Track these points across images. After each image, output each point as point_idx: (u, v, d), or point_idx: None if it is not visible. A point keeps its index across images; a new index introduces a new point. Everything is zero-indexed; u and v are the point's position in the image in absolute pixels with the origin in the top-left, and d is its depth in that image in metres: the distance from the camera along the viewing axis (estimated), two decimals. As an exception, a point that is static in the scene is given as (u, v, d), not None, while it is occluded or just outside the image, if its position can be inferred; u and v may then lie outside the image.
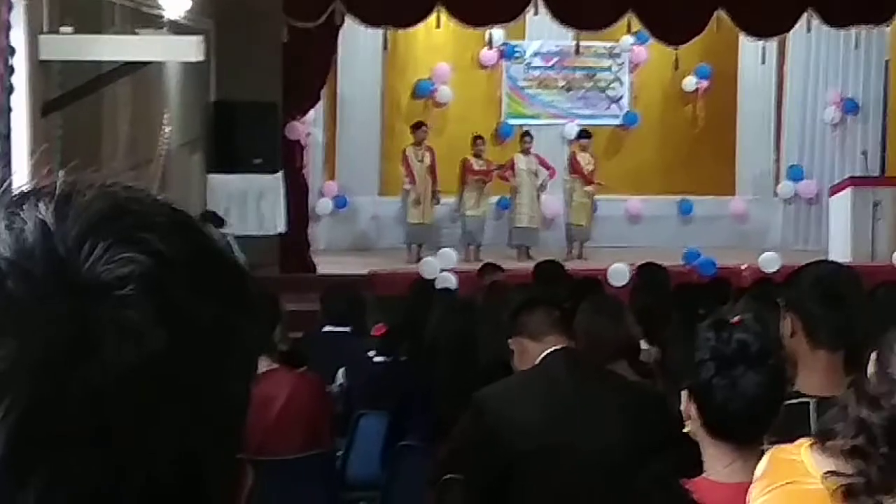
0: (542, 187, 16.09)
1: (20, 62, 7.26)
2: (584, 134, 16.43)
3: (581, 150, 16.23)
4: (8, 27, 6.86)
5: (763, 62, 16.87)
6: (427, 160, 15.64)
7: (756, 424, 2.85)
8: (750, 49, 17.00)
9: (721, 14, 15.21)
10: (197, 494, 0.79)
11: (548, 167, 16.13)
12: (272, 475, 4.59)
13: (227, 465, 0.82)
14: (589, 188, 16.02)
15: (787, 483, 2.13)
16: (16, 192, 0.82)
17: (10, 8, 6.90)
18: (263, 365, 4.90)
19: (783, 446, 2.23)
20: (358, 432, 6.03)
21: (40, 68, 8.07)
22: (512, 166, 15.96)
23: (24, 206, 0.80)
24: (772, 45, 16.70)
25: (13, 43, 6.99)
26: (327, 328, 7.66)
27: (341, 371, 6.61)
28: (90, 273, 0.77)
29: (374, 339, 6.64)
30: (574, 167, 16.16)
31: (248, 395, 0.85)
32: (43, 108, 8.14)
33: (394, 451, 5.78)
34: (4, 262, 0.77)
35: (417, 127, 15.81)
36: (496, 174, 15.93)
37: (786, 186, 17.71)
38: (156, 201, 0.84)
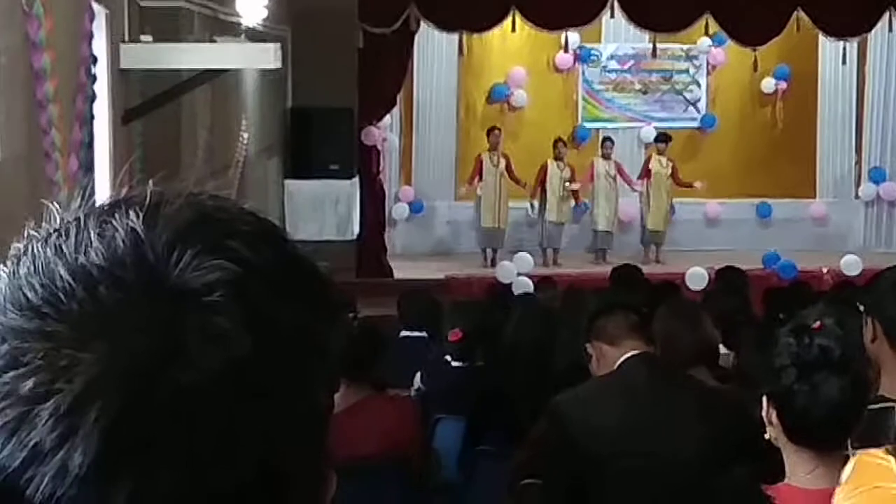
0: (613, 179, 16.05)
1: (102, 71, 7.37)
2: (662, 138, 16.35)
3: (657, 154, 16.16)
4: (90, 37, 6.97)
5: (843, 63, 16.64)
6: (502, 165, 15.64)
7: (838, 430, 2.82)
8: (830, 49, 16.79)
9: (800, 14, 15.04)
10: (281, 499, 0.80)
11: (625, 177, 16.07)
12: (350, 477, 4.61)
13: (311, 470, 0.83)
14: (643, 185, 15.92)
15: (874, 487, 2.11)
16: (107, 202, 0.83)
17: (92, 18, 7.01)
18: (359, 392, 4.94)
19: (871, 451, 2.21)
20: (435, 437, 6.04)
21: (121, 77, 8.19)
22: (592, 171, 15.95)
23: (115, 215, 0.81)
24: (852, 45, 16.47)
25: (95, 52, 7.10)
26: (404, 333, 7.69)
27: (418, 376, 6.62)
28: (179, 280, 0.78)
29: (450, 344, 6.65)
30: (645, 171, 16.10)
31: (332, 400, 0.86)
32: (124, 116, 8.26)
33: (471, 455, 5.77)
34: (96, 269, 0.79)
35: (490, 131, 15.82)
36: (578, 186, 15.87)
37: (867, 188, 17.46)
38: (241, 210, 0.85)
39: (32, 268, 0.80)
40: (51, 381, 0.75)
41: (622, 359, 4.34)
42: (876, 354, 3.30)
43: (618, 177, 16.04)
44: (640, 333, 4.46)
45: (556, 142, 15.87)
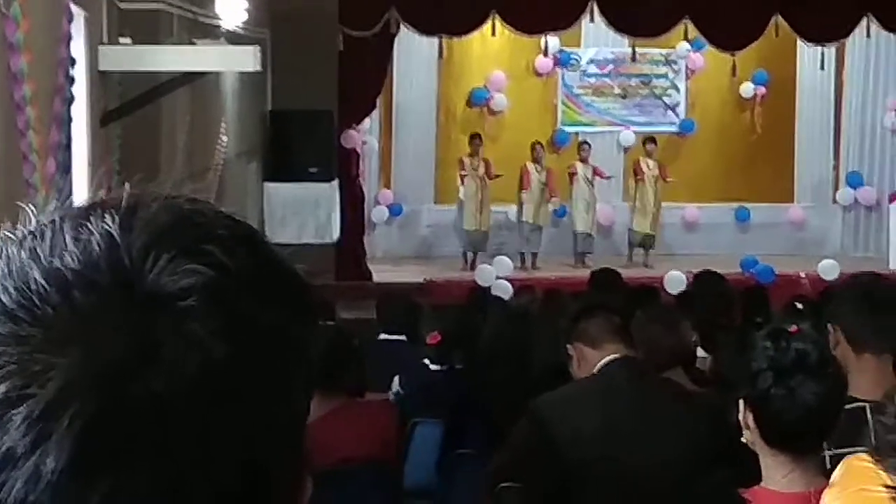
0: (591, 183, 16.06)
1: (80, 73, 7.34)
2: (649, 140, 16.41)
3: (645, 156, 16.21)
4: (69, 38, 6.95)
5: (822, 68, 16.72)
6: (481, 170, 15.70)
7: (814, 434, 2.83)
8: (808, 55, 16.86)
9: (779, 20, 15.10)
10: (260, 503, 0.80)
11: (601, 175, 16.13)
12: (329, 483, 4.60)
13: (289, 474, 0.83)
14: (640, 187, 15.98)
15: (860, 489, 2.13)
16: (83, 204, 0.83)
17: (70, 20, 6.98)
18: (333, 401, 4.86)
19: (860, 454, 2.23)
20: (413, 440, 6.04)
21: (100, 79, 8.16)
22: (573, 173, 16.00)
23: (91, 218, 0.81)
24: (830, 50, 16.56)
25: (74, 54, 7.07)
26: (383, 336, 7.68)
27: (396, 379, 6.62)
28: (154, 284, 0.78)
29: (429, 348, 6.64)
30: (637, 173, 16.14)
31: (308, 404, 0.86)
32: (102, 118, 8.23)
33: (449, 459, 5.78)
34: (71, 272, 0.78)
35: (472, 139, 15.88)
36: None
37: (845, 193, 17.54)
38: (219, 213, 0.84)
39: (7, 271, 0.79)
40: (24, 386, 0.75)
41: (603, 361, 4.35)
42: (843, 360, 3.33)
43: (595, 180, 16.08)
44: (621, 336, 4.47)
45: (533, 145, 15.93)
